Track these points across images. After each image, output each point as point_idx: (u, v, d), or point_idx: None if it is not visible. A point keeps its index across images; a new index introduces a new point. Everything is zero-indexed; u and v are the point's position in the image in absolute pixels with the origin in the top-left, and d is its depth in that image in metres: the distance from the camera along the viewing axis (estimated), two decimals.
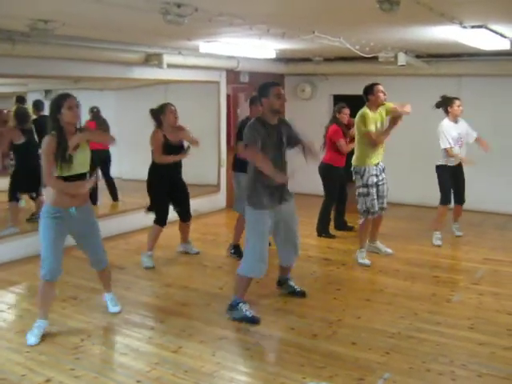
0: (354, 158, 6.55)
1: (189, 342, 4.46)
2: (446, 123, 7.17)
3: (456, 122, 7.19)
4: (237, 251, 6.76)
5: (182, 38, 6.78)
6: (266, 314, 5.05)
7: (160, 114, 6.35)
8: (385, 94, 6.36)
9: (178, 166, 6.58)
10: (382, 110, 6.46)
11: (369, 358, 4.20)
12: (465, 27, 5.40)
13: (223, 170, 9.77)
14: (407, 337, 4.57)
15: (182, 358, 4.21)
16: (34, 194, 7.68)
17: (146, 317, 5.06)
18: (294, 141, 5.03)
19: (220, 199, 9.83)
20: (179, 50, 7.98)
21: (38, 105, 8.83)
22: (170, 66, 7.76)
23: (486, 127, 8.24)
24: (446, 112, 7.25)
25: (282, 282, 5.59)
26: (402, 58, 7.88)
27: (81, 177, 4.53)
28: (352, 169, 6.55)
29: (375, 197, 6.41)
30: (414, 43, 7.27)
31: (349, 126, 7.61)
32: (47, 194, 4.57)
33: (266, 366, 4.12)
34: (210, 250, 7.20)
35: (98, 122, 9.62)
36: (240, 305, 4.92)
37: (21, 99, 9.56)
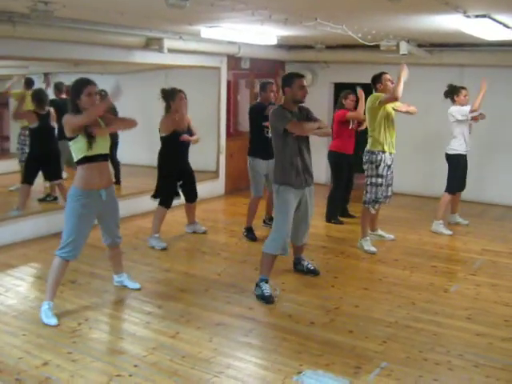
0: (369, 143, 6.40)
1: (186, 328, 4.47)
2: (455, 107, 7.22)
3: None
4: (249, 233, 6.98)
5: (183, 23, 6.73)
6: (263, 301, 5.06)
7: (170, 99, 6.44)
8: (392, 83, 6.30)
9: (186, 151, 6.71)
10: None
11: (366, 346, 4.20)
12: (468, 16, 5.38)
13: (222, 157, 9.75)
14: (405, 326, 4.57)
15: (179, 343, 4.22)
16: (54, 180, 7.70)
17: (144, 302, 5.06)
18: (314, 120, 5.20)
19: (219, 186, 9.81)
20: (180, 35, 7.93)
21: (59, 87, 8.79)
22: (170, 50, 7.72)
23: (488, 118, 8.18)
24: (453, 101, 7.25)
25: (297, 263, 5.79)
26: (404, 47, 7.83)
27: (104, 157, 4.66)
28: (366, 156, 6.40)
29: (384, 188, 6.40)
30: (416, 32, 7.23)
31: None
32: (76, 176, 4.61)
33: (263, 353, 4.12)
34: (209, 236, 7.19)
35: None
36: (262, 283, 5.07)
37: (29, 81, 9.48)
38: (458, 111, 7.16)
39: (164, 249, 6.51)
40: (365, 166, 6.43)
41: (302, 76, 5.12)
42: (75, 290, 5.26)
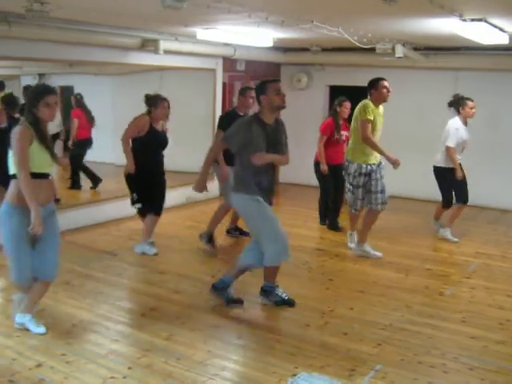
0: (347, 150, 6.42)
1: (181, 330, 4.45)
2: (457, 123, 6.92)
3: (466, 124, 6.97)
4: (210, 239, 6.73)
5: (179, 24, 6.72)
6: (257, 304, 5.06)
7: (152, 105, 6.22)
8: (389, 91, 6.16)
9: (160, 160, 6.42)
10: (382, 113, 6.31)
11: (360, 349, 4.20)
12: (464, 20, 5.38)
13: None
14: (399, 329, 4.57)
15: (173, 345, 4.20)
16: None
17: (138, 303, 5.05)
18: (281, 148, 4.91)
19: (214, 187, 9.77)
20: (176, 36, 7.92)
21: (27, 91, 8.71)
22: (166, 51, 7.69)
23: (483, 122, 8.24)
24: (458, 112, 7.00)
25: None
26: (400, 50, 7.85)
27: (46, 176, 4.16)
28: (344, 162, 6.45)
29: (360, 197, 6.34)
30: (412, 35, 7.25)
31: (350, 119, 7.41)
32: (9, 189, 4.10)
33: (258, 355, 4.11)
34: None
35: (85, 109, 9.58)
36: (275, 290, 4.98)
37: (0, 84, 9.44)
38: (450, 137, 6.88)
39: (155, 254, 6.37)
40: (343, 172, 6.52)
41: (276, 80, 4.87)
42: (69, 292, 5.23)
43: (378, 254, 6.49)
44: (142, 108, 6.30)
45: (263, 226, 4.75)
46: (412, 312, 4.94)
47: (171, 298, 5.14)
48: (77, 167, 9.31)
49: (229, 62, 9.67)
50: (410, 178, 9.64)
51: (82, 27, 6.65)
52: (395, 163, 6.09)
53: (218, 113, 9.67)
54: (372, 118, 6.12)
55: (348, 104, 7.45)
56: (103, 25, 6.89)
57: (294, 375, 3.76)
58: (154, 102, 6.23)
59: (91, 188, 9.33)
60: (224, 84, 9.92)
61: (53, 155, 4.15)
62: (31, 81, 9.69)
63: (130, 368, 3.84)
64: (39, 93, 4.06)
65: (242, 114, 6.54)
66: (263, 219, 4.75)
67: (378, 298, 5.26)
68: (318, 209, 7.96)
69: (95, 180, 9.36)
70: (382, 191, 6.30)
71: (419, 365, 3.98)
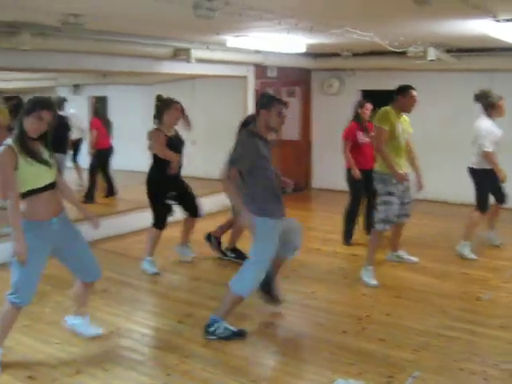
0: (376, 162, 6.02)
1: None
2: (487, 123, 6.54)
3: (494, 120, 6.60)
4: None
5: (210, 33, 6.78)
6: (294, 311, 5.06)
7: (164, 108, 6.00)
8: (415, 102, 5.84)
9: (181, 164, 6.21)
10: (407, 121, 6.01)
11: (398, 355, 4.16)
12: (498, 21, 5.32)
13: None
14: (437, 335, 4.51)
15: (210, 352, 4.22)
16: None
17: (174, 310, 5.08)
18: None
19: None
20: (207, 45, 7.98)
21: (59, 102, 8.91)
22: (197, 60, 7.76)
23: None
24: (485, 108, 6.62)
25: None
26: (432, 53, 7.77)
27: (46, 188, 3.93)
28: (375, 175, 5.97)
29: (397, 206, 5.84)
30: (444, 37, 7.17)
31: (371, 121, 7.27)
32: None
33: (295, 362, 4.11)
34: (238, 244, 7.09)
35: (103, 117, 9.75)
36: (223, 323, 4.51)
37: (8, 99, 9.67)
38: (483, 140, 6.45)
39: (156, 274, 6.09)
40: (374, 184, 6.00)
41: (284, 103, 4.54)
42: (106, 299, 5.29)
43: (414, 258, 6.39)
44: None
45: (264, 253, 4.48)
46: (449, 317, 4.87)
47: (207, 305, 5.15)
48: (91, 177, 9.49)
49: (260, 69, 9.71)
50: (443, 182, 9.53)
51: (115, 38, 6.76)
52: (401, 179, 5.74)
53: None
54: (387, 128, 5.74)
55: (369, 105, 7.29)
56: (136, 35, 6.98)
57: (331, 382, 3.74)
58: (167, 104, 6.03)
59: (104, 196, 9.51)
60: (256, 91, 9.96)
61: (48, 163, 3.91)
62: (67, 92, 9.87)
63: (168, 375, 3.87)
64: (34, 104, 3.83)
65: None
66: (268, 249, 4.49)
67: (414, 304, 5.20)
68: (344, 223, 7.39)
69: (111, 190, 9.54)
70: (409, 202, 6.03)
71: (459, 371, 3.92)
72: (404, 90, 5.86)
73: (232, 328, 4.46)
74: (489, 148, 6.44)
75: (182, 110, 6.17)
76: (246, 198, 4.46)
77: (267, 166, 4.50)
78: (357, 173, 7.08)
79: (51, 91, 11.27)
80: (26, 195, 3.85)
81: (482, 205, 6.65)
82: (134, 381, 3.81)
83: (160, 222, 6.14)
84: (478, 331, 4.59)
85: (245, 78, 9.52)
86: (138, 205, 7.90)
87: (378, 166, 5.95)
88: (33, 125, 3.79)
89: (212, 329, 4.43)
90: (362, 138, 7.25)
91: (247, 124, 5.82)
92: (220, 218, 7.21)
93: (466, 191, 7.19)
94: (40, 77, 9.94)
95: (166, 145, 5.97)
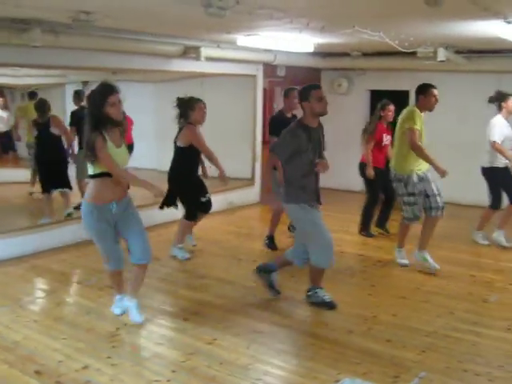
0: (394, 163, 6.11)
1: (224, 334, 4.48)
2: (500, 119, 6.77)
3: (508, 120, 6.79)
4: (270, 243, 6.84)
5: (221, 31, 6.79)
6: (300, 309, 5.08)
7: (188, 108, 6.16)
8: (437, 101, 5.92)
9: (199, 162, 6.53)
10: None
11: (404, 355, 4.16)
12: (509, 22, 5.31)
13: (258, 164, 9.76)
14: (443, 336, 4.51)
15: (216, 349, 4.24)
16: (63, 189, 7.85)
17: (181, 308, 5.10)
18: (322, 150, 5.04)
19: (254, 193, 9.83)
20: (217, 43, 8.00)
21: (79, 94, 8.95)
22: (207, 58, 7.78)
23: None
24: (500, 108, 6.82)
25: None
26: (442, 54, 7.75)
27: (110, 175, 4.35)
28: (392, 175, 6.10)
29: (421, 201, 5.98)
30: (454, 38, 7.15)
31: (394, 123, 7.26)
32: (87, 190, 4.45)
33: (301, 361, 4.12)
34: (245, 244, 7.21)
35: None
36: (317, 290, 5.07)
37: (33, 94, 9.80)
38: (493, 132, 6.69)
39: (187, 259, 6.43)
40: (393, 185, 6.14)
41: (319, 87, 4.88)
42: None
43: (437, 265, 6.13)
44: None
45: (311, 230, 4.91)
46: (456, 319, 4.87)
47: (214, 303, 5.18)
48: None
49: (269, 68, 9.72)
50: (452, 183, 9.49)
51: (125, 36, 6.78)
52: (443, 174, 5.90)
53: (259, 118, 9.75)
54: (419, 127, 5.86)
55: (392, 107, 7.31)
56: (146, 33, 7.00)
57: (337, 381, 3.75)
58: (191, 104, 6.18)
59: None
60: (264, 90, 9.96)
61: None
62: (76, 88, 9.91)
63: (173, 371, 3.89)
64: (102, 94, 4.14)
65: (288, 115, 6.61)
66: (311, 225, 4.90)
67: (421, 305, 5.20)
68: (362, 215, 7.64)
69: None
70: (439, 194, 6.10)
71: (464, 373, 3.93)
72: (424, 89, 5.96)
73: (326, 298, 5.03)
74: (497, 139, 6.62)
75: (205, 108, 6.32)
76: (285, 185, 4.90)
77: (305, 156, 4.80)
78: (371, 172, 7.14)
79: (61, 88, 11.31)
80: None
81: (493, 202, 6.96)
82: (139, 376, 3.84)
83: (193, 214, 6.48)
84: (484, 333, 4.59)
85: (254, 76, 9.53)
86: (144, 202, 7.92)
87: (396, 168, 6.07)
88: (112, 113, 4.17)
89: (310, 293, 5.08)
90: (386, 139, 7.36)
91: (275, 120, 6.53)
92: (226, 216, 7.23)
93: (474, 192, 7.20)
94: (50, 73, 9.99)
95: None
